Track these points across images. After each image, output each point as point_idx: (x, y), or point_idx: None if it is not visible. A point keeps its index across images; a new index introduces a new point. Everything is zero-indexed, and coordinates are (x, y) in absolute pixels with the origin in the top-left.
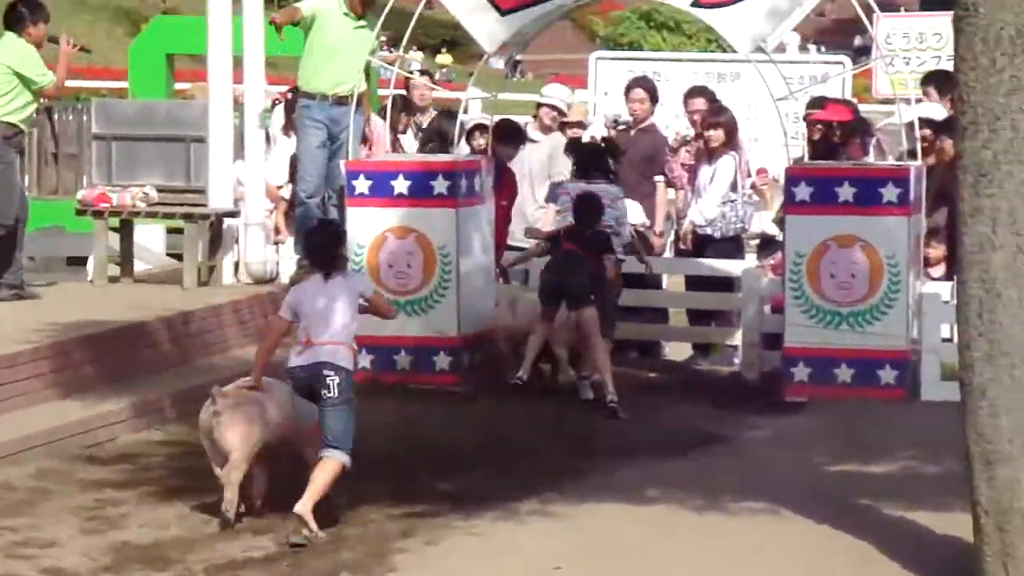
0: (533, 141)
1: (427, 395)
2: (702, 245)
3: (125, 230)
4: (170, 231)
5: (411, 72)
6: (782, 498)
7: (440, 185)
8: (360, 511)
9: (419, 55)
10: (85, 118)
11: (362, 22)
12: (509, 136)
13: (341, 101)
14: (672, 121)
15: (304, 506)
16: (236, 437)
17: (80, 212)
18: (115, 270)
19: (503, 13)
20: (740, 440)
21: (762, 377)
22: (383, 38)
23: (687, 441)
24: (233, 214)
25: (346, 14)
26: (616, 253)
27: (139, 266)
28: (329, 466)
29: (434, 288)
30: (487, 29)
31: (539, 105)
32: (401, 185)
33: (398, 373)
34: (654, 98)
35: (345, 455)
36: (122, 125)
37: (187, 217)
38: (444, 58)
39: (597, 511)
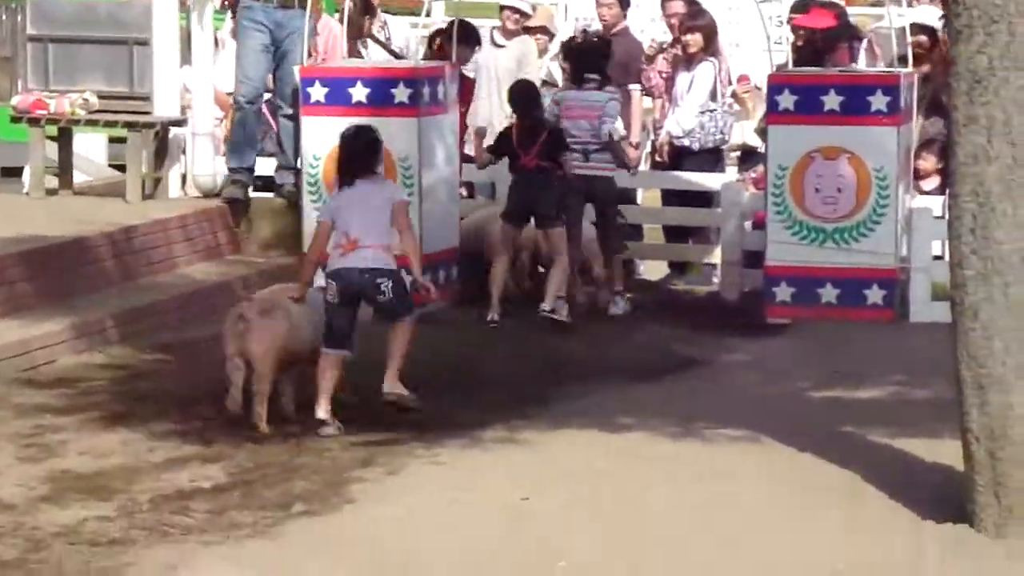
0: (499, 46)
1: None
2: (679, 157)
3: (63, 139)
4: (112, 140)
5: None
6: (763, 425)
7: (401, 93)
8: (315, 440)
9: None
10: (19, 18)
11: None
12: (465, 37)
13: (286, 4)
14: (648, 25)
15: (392, 377)
16: (262, 347)
17: (15, 119)
18: (53, 182)
19: None
20: (718, 364)
21: (742, 297)
22: None
23: (662, 365)
24: (180, 123)
25: None
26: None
27: (79, 178)
28: (404, 330)
29: None
30: None
31: (502, 8)
32: (360, 93)
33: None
34: (624, 2)
35: (412, 317)
36: (60, 26)
37: (130, 126)
38: None
39: (566, 438)
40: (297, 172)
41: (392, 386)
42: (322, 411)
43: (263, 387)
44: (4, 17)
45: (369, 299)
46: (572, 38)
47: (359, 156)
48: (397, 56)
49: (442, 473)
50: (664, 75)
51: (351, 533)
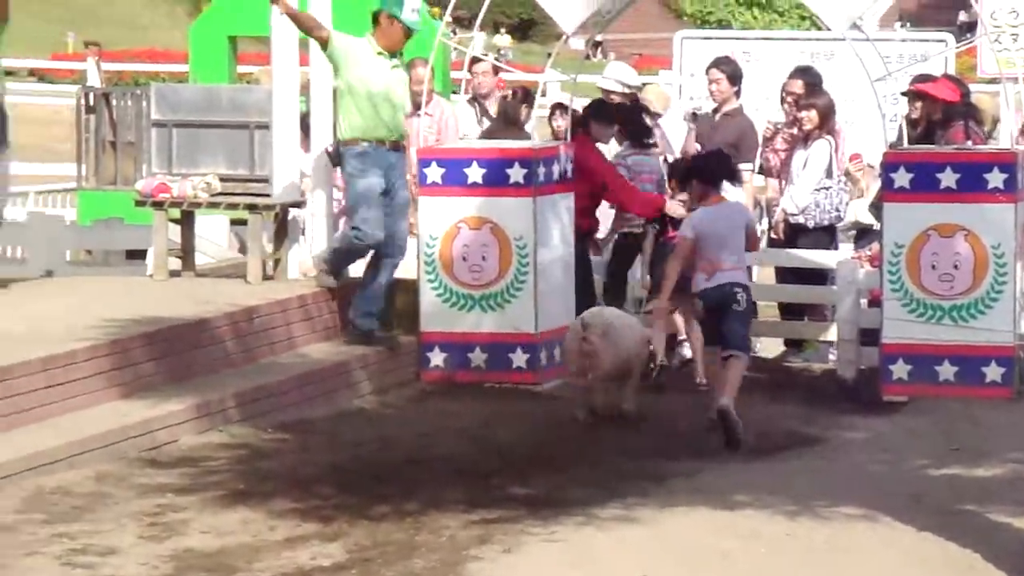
0: None
1: (503, 394)
2: (795, 235)
3: (186, 221)
4: (233, 222)
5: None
6: (880, 504)
7: (516, 173)
8: (433, 517)
9: (507, 39)
10: (144, 104)
11: (395, 61)
12: (604, 115)
13: (396, 146)
14: (762, 104)
15: (727, 400)
16: (605, 365)
17: (140, 203)
18: (176, 264)
19: None
20: (835, 442)
21: (859, 375)
22: (449, 19)
23: (778, 442)
24: (299, 205)
25: (380, 54)
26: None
27: (201, 259)
28: (737, 364)
29: (510, 282)
30: (566, 8)
31: (601, 89)
32: (475, 173)
33: (473, 371)
34: (733, 79)
35: (747, 355)
36: (183, 111)
37: (251, 208)
38: (502, 39)
39: (683, 517)
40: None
41: (728, 404)
42: (725, 399)
43: (597, 397)
44: (130, 103)
45: (722, 307)
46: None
47: (715, 175)
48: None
49: (558, 551)
50: (782, 154)
51: None
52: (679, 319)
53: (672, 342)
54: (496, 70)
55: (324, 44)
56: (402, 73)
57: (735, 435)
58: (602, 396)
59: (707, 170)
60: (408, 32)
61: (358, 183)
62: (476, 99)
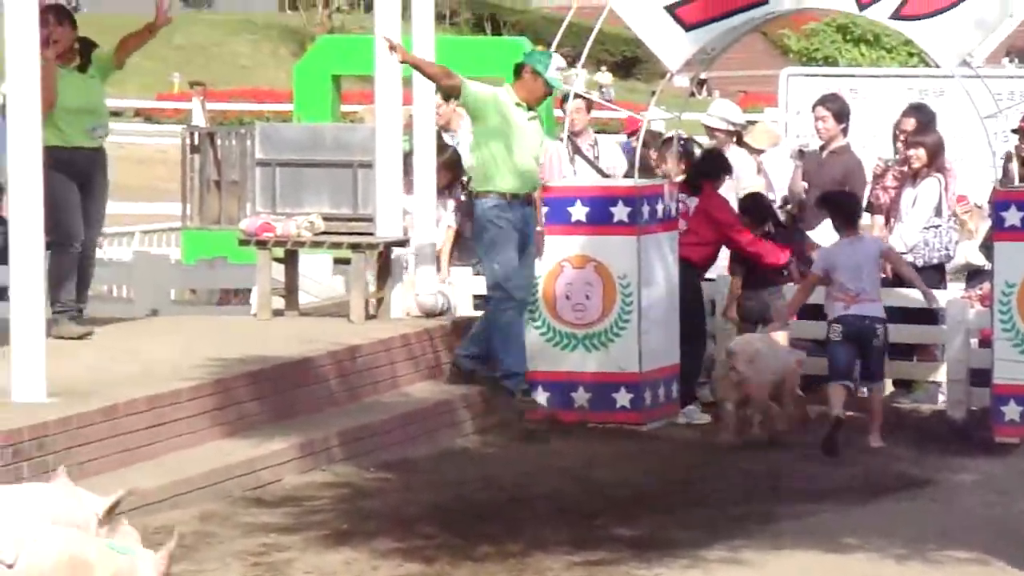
0: None
1: (607, 434)
2: (905, 276)
3: (290, 261)
4: (337, 261)
5: (592, 93)
6: (992, 547)
7: (620, 211)
8: (536, 558)
9: (608, 77)
10: (248, 143)
11: (533, 113)
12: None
13: (530, 199)
14: (869, 141)
15: (875, 435)
16: (750, 389)
17: (243, 242)
18: (280, 303)
19: (687, 28)
20: (945, 484)
21: (969, 416)
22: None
23: (888, 484)
24: (402, 243)
25: (519, 105)
26: None
27: (304, 298)
28: (878, 396)
29: (614, 321)
30: (670, 46)
31: (708, 128)
32: (579, 212)
33: (576, 411)
34: (839, 116)
35: (883, 385)
36: (287, 150)
37: (354, 247)
38: (603, 76)
39: (790, 559)
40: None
41: (875, 438)
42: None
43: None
44: (234, 142)
45: (861, 340)
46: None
47: (848, 213)
48: (604, 175)
49: None
50: (891, 191)
51: None
52: None
53: None
54: (589, 107)
55: (456, 93)
56: (540, 126)
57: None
58: (750, 424)
59: (840, 206)
60: (549, 90)
61: (493, 241)
62: (569, 137)
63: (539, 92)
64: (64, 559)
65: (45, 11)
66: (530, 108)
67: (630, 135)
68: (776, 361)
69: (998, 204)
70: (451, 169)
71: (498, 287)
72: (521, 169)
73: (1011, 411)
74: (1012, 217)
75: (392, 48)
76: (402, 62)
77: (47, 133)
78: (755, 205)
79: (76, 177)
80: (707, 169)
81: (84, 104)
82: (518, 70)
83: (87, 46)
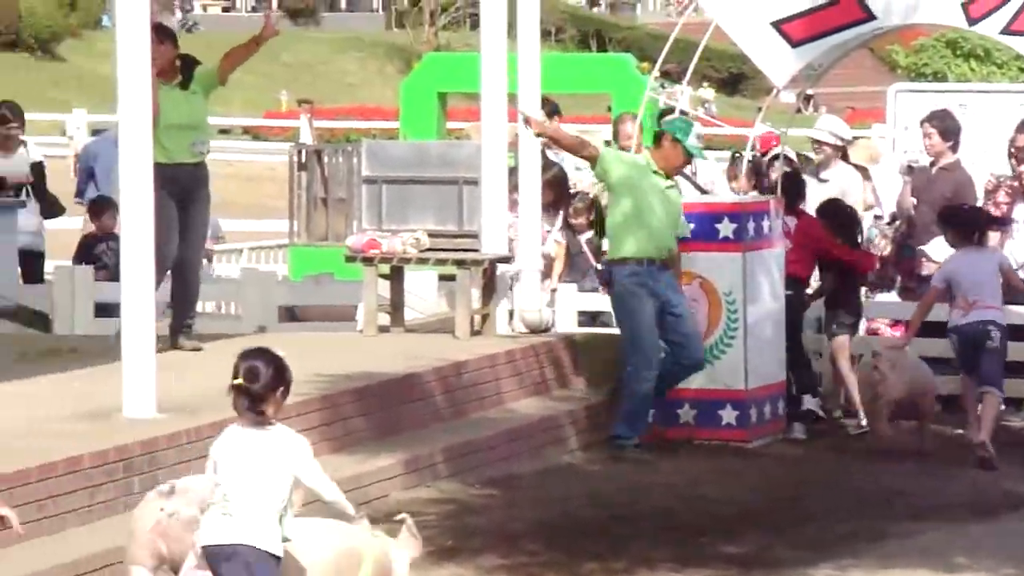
0: (822, 181)
1: (712, 451)
2: (1017, 291)
3: (396, 277)
4: (442, 278)
5: (698, 110)
6: None
7: (726, 228)
8: (642, 575)
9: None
10: (355, 160)
11: (672, 181)
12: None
13: (666, 264)
14: (979, 157)
15: (985, 434)
16: (890, 388)
17: (350, 259)
18: (385, 319)
19: (794, 45)
20: None
21: None
22: (656, 74)
23: (996, 502)
24: (507, 260)
25: (656, 172)
26: None
27: (410, 314)
28: (992, 400)
29: (719, 338)
30: (777, 62)
31: (814, 142)
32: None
33: (682, 427)
34: (946, 134)
35: (1000, 392)
36: (393, 167)
37: (460, 263)
38: (707, 92)
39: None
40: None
41: (985, 437)
42: (982, 435)
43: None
44: (341, 159)
45: (977, 344)
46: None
47: (970, 226)
48: (702, 191)
49: None
50: (1003, 207)
51: None
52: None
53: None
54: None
55: (594, 162)
56: (677, 194)
57: (990, 464)
58: (891, 428)
59: (962, 220)
60: (689, 159)
61: (631, 310)
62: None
63: (678, 160)
64: (343, 549)
65: None
66: (668, 176)
67: (763, 154)
68: (917, 372)
69: None
70: (556, 187)
71: (635, 354)
72: (657, 235)
73: None
74: None
75: (528, 122)
76: (538, 135)
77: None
78: (837, 211)
79: (178, 193)
80: (799, 189)
81: (186, 121)
82: (657, 138)
83: (189, 63)
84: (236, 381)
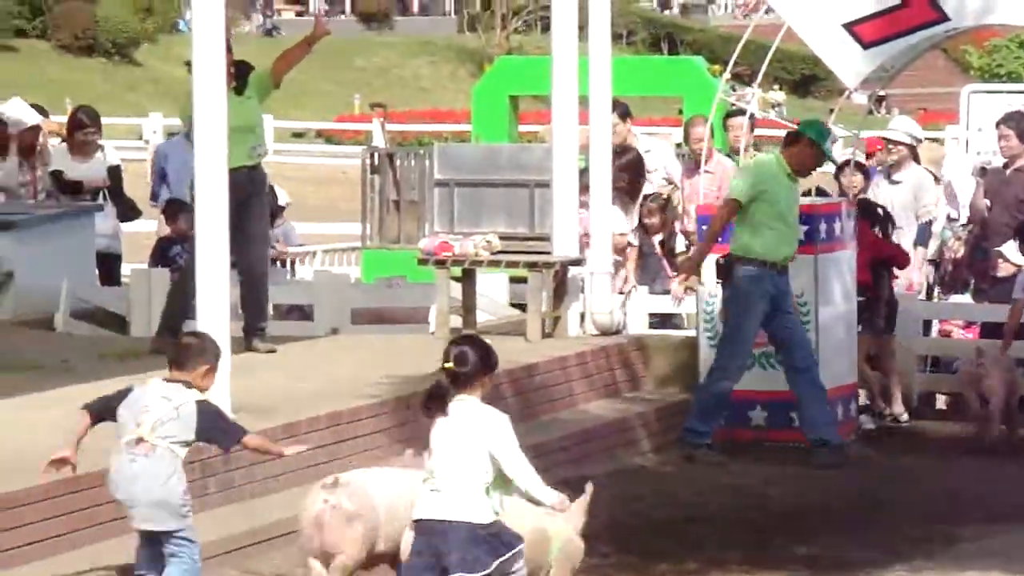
0: (895, 182)
1: (783, 452)
2: None
3: (467, 279)
4: (513, 280)
5: (770, 112)
6: None
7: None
8: None
9: (780, 95)
10: (427, 163)
11: (797, 183)
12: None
13: (785, 269)
14: None
15: None
16: (994, 386)
17: (422, 262)
18: (457, 321)
19: (866, 46)
20: None
21: None
22: (728, 76)
23: None
24: (578, 262)
25: (788, 175)
26: None
27: (481, 316)
28: None
29: None
30: (848, 63)
31: (886, 141)
32: None
33: (753, 429)
34: (1023, 136)
35: None
36: (465, 170)
37: (531, 266)
38: (776, 95)
39: None
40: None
41: None
42: None
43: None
44: (413, 162)
45: None
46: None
47: None
48: None
49: None
50: None
51: None
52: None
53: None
54: (752, 126)
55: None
56: (799, 194)
57: None
58: (995, 426)
59: None
60: (821, 161)
61: (742, 309)
62: (730, 154)
63: (811, 163)
64: (536, 528)
65: None
66: (797, 177)
67: (868, 156)
68: (1013, 374)
69: None
70: (632, 171)
71: (728, 351)
72: (785, 239)
73: None
74: None
75: (679, 298)
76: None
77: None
78: (871, 210)
79: (236, 196)
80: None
81: (242, 124)
82: (794, 139)
83: (243, 69)
84: (447, 365)
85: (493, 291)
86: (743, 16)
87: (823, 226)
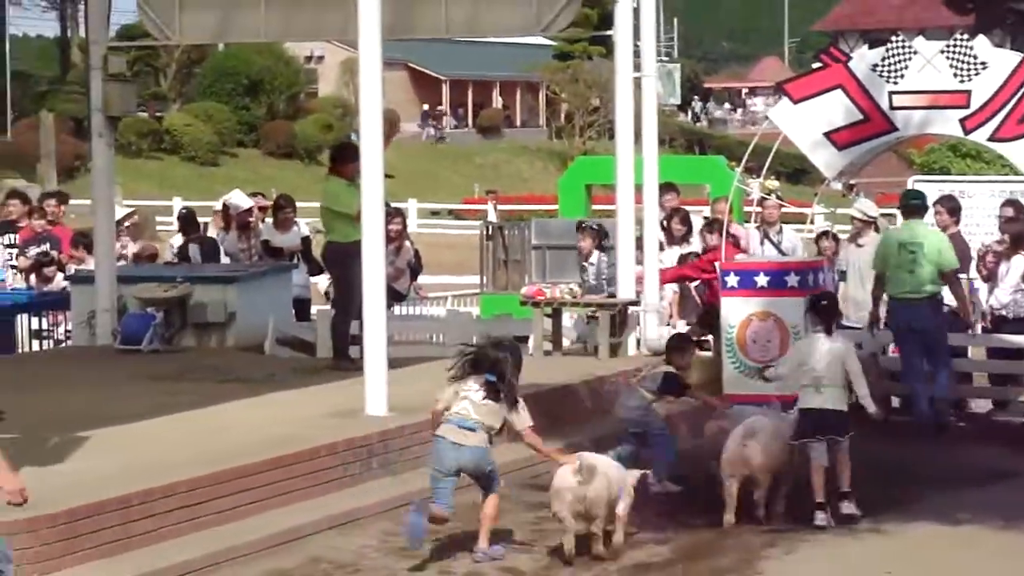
0: (859, 246)
1: None
2: (999, 323)
3: (555, 316)
4: (589, 317)
5: (769, 194)
6: None
7: (792, 279)
8: (734, 530)
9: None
10: (527, 233)
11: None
12: None
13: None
14: (975, 228)
15: None
16: None
17: (523, 303)
18: (548, 346)
19: (839, 149)
20: None
21: None
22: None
23: (987, 475)
24: (635, 303)
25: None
26: None
27: (565, 343)
28: None
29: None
30: (827, 161)
31: (852, 219)
32: (762, 280)
33: None
34: (952, 212)
35: None
36: (553, 237)
37: (601, 306)
38: (772, 183)
39: (917, 529)
40: None
41: None
42: None
43: None
44: (516, 232)
45: None
46: None
47: None
48: (783, 253)
49: (825, 553)
50: (991, 265)
51: None
52: None
53: None
54: (779, 206)
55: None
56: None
57: None
58: None
59: None
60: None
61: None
62: (762, 225)
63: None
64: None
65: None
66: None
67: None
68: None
69: None
70: (682, 219)
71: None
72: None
73: None
74: None
75: None
76: None
77: (352, 230)
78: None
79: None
80: None
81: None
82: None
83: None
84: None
85: (575, 324)
86: (748, 124)
87: (811, 277)
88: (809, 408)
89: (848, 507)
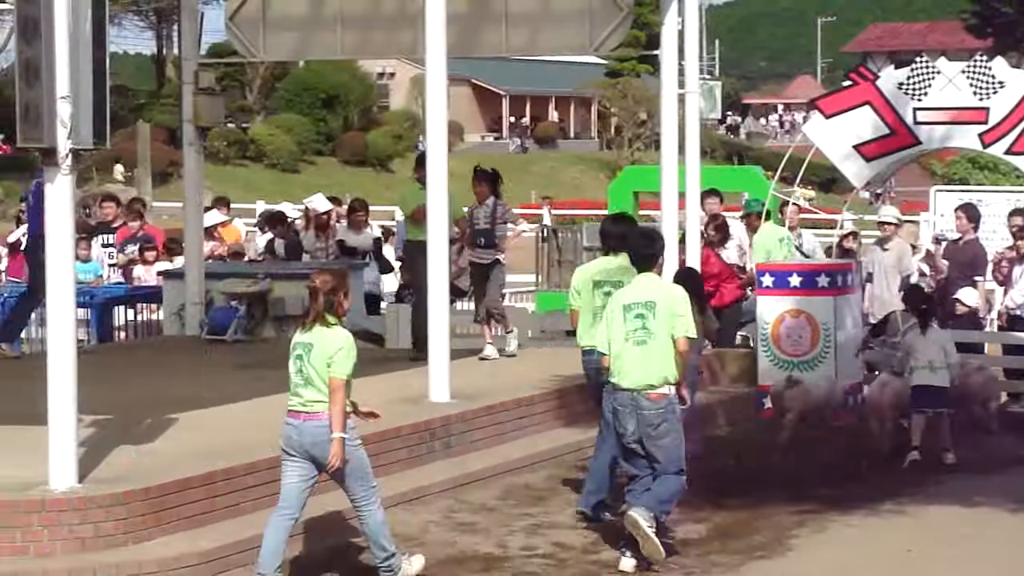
0: (885, 249)
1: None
2: (1013, 322)
3: None
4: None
5: (808, 201)
6: None
7: (823, 280)
8: (767, 510)
9: (812, 193)
10: (579, 236)
11: None
12: None
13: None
14: (991, 235)
15: None
16: None
17: None
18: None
19: (868, 160)
20: None
21: None
22: (776, 178)
23: (1004, 462)
24: None
25: None
26: None
27: None
28: None
29: (818, 353)
30: (856, 171)
31: (879, 223)
32: (795, 280)
33: None
34: (971, 219)
35: None
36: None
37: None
38: (807, 192)
39: (937, 511)
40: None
41: None
42: None
43: None
44: (569, 235)
45: None
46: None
47: None
48: (805, 256)
49: (853, 533)
50: (1005, 268)
51: (793, 571)
52: None
53: None
54: (799, 211)
55: None
56: None
57: None
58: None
59: None
60: None
61: None
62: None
63: None
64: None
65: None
66: None
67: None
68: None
69: None
70: (721, 227)
71: None
72: None
73: None
74: None
75: None
76: None
77: (419, 231)
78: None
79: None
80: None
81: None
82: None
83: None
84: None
85: None
86: (782, 135)
87: (839, 278)
88: (924, 385)
89: (949, 457)
